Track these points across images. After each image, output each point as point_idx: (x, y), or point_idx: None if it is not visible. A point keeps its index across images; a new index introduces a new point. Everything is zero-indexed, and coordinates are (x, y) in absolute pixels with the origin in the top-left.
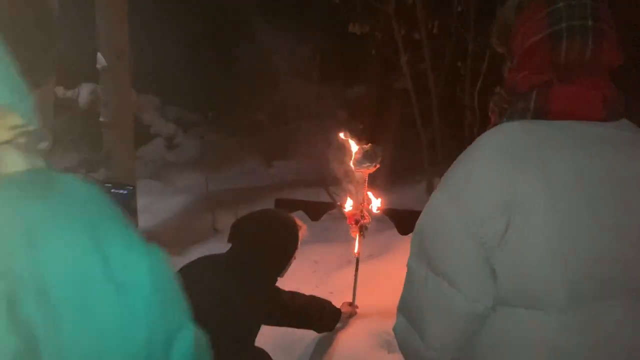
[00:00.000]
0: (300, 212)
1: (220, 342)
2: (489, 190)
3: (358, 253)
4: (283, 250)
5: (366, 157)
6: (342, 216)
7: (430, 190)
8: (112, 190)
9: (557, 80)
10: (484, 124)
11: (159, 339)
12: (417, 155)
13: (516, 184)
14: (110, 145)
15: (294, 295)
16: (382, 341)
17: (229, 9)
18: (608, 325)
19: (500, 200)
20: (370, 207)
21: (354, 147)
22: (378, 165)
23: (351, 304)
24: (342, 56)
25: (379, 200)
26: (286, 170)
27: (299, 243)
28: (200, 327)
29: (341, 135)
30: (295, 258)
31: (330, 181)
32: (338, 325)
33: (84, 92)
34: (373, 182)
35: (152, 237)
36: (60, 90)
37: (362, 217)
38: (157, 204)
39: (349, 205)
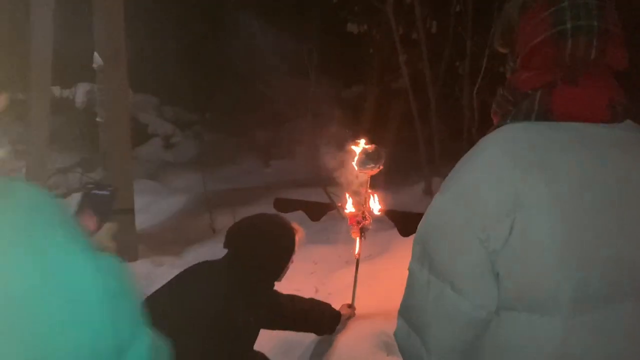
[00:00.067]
0: (300, 213)
1: (219, 347)
2: (492, 192)
3: (358, 254)
4: (280, 255)
5: (370, 158)
6: (341, 216)
7: (428, 190)
8: (93, 192)
9: (562, 81)
10: (482, 124)
11: (106, 349)
12: (415, 155)
13: (520, 186)
14: (107, 145)
15: (293, 298)
16: (381, 343)
17: (226, 8)
18: (615, 329)
19: (504, 202)
20: (371, 208)
21: (357, 148)
22: (381, 167)
23: (350, 306)
24: (340, 56)
25: (381, 202)
26: (284, 170)
27: (297, 247)
28: (199, 333)
29: (354, 139)
30: (293, 262)
31: (329, 181)
32: (337, 327)
33: (80, 92)
34: (372, 182)
35: (150, 237)
36: (56, 90)
37: (364, 218)
38: (154, 204)
39: (350, 206)
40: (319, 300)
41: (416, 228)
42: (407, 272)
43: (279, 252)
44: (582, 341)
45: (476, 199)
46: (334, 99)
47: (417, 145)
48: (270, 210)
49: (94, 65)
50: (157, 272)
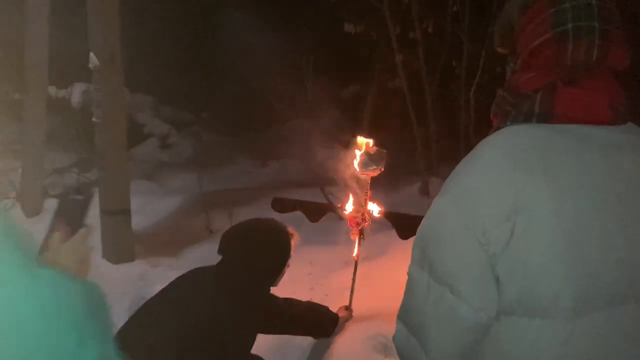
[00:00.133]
0: (298, 213)
1: (216, 353)
2: (493, 195)
3: (357, 256)
4: (275, 261)
5: (372, 160)
6: (339, 217)
7: (424, 190)
8: (69, 198)
9: (563, 82)
10: (479, 124)
11: None
12: (412, 155)
13: (521, 189)
14: (103, 146)
15: (290, 302)
16: (378, 345)
17: (224, 8)
18: (617, 332)
19: (505, 205)
20: (371, 210)
21: (358, 149)
22: (382, 169)
23: (347, 308)
24: (338, 56)
25: (379, 204)
26: (281, 171)
27: (292, 252)
28: (195, 340)
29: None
30: (289, 266)
31: (326, 181)
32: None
33: (76, 92)
34: (369, 182)
35: (147, 238)
36: (52, 90)
37: (363, 220)
38: (150, 205)
39: (349, 207)
40: (315, 303)
41: (415, 231)
42: (405, 274)
43: (275, 258)
44: (584, 344)
45: (476, 202)
46: (331, 98)
47: (414, 145)
48: (268, 210)
49: (90, 65)
50: (154, 273)
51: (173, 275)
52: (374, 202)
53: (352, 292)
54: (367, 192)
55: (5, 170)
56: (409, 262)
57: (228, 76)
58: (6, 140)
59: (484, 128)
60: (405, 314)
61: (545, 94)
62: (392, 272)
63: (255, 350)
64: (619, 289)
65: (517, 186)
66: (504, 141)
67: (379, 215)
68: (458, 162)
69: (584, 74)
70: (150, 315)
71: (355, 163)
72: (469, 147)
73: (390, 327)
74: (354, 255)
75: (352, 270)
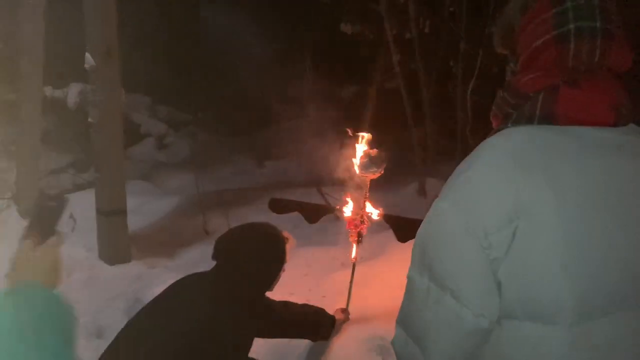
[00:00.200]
0: (296, 214)
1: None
2: (494, 198)
3: (355, 259)
4: (270, 267)
5: (373, 162)
6: (336, 218)
7: (421, 190)
8: (45, 204)
9: (564, 83)
10: (476, 124)
11: None
12: (409, 155)
13: (523, 192)
14: (99, 146)
15: (286, 305)
16: (376, 347)
17: (221, 7)
18: (620, 338)
19: (507, 209)
20: (370, 212)
21: (359, 151)
22: (382, 171)
23: (344, 310)
24: (334, 56)
25: (376, 205)
26: (278, 171)
27: (288, 256)
28: (191, 346)
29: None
30: (284, 271)
31: (323, 182)
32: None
33: (72, 92)
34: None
35: (143, 239)
36: (48, 90)
37: (362, 222)
38: (147, 205)
39: (348, 210)
40: (312, 306)
41: (414, 234)
42: (403, 276)
43: (270, 263)
44: (587, 350)
45: (477, 205)
46: (328, 98)
47: (411, 145)
48: (265, 211)
49: (86, 66)
50: (150, 274)
51: (169, 276)
52: (372, 203)
53: (349, 294)
54: (365, 194)
55: (1, 171)
56: (407, 264)
57: (225, 76)
58: (1, 141)
59: (481, 128)
60: (404, 318)
61: (547, 96)
62: (389, 273)
63: (251, 353)
64: (622, 293)
65: (519, 189)
66: (505, 143)
67: (378, 217)
68: (455, 162)
69: (585, 75)
70: (145, 323)
71: (356, 165)
72: (466, 147)
73: (387, 329)
74: (352, 257)
75: (350, 272)
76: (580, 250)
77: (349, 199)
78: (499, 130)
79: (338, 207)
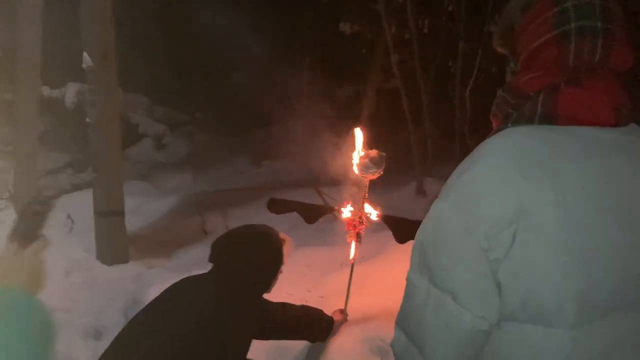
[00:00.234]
0: (295, 214)
1: None
2: (494, 199)
3: (353, 259)
4: (267, 268)
5: (374, 163)
6: (335, 219)
7: (420, 190)
8: (30, 207)
9: (565, 83)
10: (475, 124)
11: None
12: (407, 155)
13: (523, 193)
14: (97, 146)
15: (284, 307)
16: (375, 347)
17: (219, 7)
18: (621, 340)
19: (507, 210)
20: (368, 213)
21: (359, 152)
22: (381, 172)
23: (342, 311)
24: (333, 56)
25: (375, 206)
26: (276, 171)
27: (285, 258)
28: (188, 349)
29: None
30: (282, 272)
31: (320, 182)
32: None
33: (70, 92)
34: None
35: (141, 239)
36: (46, 90)
37: (361, 222)
38: (145, 205)
39: (347, 210)
40: (310, 307)
41: (413, 235)
42: (402, 276)
43: (267, 265)
44: (587, 351)
45: (477, 206)
46: (326, 99)
47: (409, 145)
48: (263, 211)
49: (84, 66)
50: (149, 274)
51: (168, 276)
52: (370, 203)
53: (347, 295)
54: (364, 195)
55: None
56: (406, 265)
57: (223, 76)
58: None
59: (480, 128)
60: (404, 320)
61: (548, 95)
62: (388, 274)
63: (250, 354)
64: (622, 293)
65: (519, 189)
66: (505, 143)
67: (377, 218)
68: (454, 162)
69: (586, 74)
70: (143, 326)
71: (355, 165)
72: (465, 147)
73: (386, 330)
74: (351, 258)
75: (348, 272)
76: (580, 250)
77: (348, 200)
78: (499, 130)
79: (337, 207)
